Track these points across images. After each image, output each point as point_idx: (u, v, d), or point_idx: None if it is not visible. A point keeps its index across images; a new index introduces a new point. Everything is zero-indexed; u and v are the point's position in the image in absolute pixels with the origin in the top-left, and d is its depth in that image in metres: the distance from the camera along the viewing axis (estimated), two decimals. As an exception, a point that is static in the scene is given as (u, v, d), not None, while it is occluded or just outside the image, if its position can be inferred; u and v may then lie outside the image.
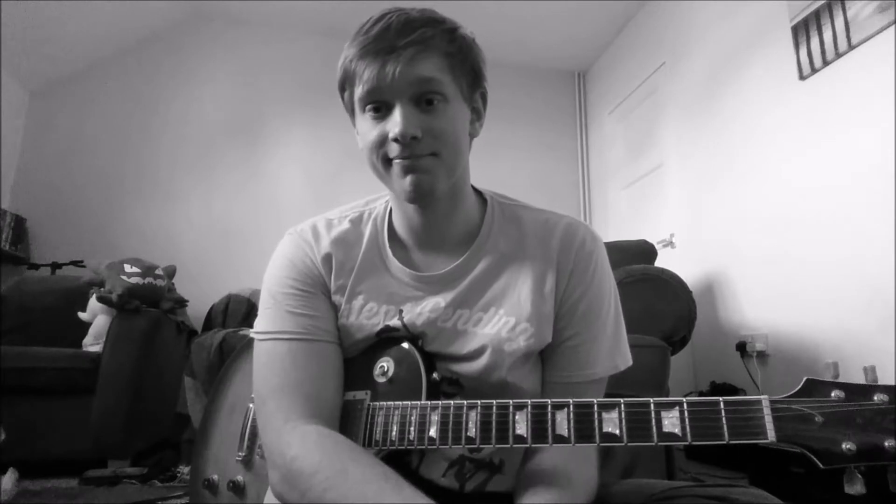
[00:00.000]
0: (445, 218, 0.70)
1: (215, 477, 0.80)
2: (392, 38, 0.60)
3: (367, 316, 0.69)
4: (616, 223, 3.57)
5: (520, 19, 3.47)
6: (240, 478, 0.78)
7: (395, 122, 0.61)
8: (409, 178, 0.62)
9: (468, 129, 0.68)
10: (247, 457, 0.78)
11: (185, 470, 1.95)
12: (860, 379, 0.48)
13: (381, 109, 0.63)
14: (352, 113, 0.68)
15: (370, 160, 0.65)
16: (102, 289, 2.21)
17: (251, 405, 0.80)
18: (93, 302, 2.26)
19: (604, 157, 3.80)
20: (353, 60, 0.63)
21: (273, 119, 3.61)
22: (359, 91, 0.63)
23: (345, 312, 0.70)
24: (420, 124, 0.61)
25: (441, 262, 0.71)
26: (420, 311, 0.68)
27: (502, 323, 0.67)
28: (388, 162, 0.63)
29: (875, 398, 0.45)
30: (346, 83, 0.66)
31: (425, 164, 0.62)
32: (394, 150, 0.62)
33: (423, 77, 0.61)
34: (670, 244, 2.92)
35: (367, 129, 0.64)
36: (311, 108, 3.63)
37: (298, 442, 0.60)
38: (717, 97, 2.63)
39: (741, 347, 2.28)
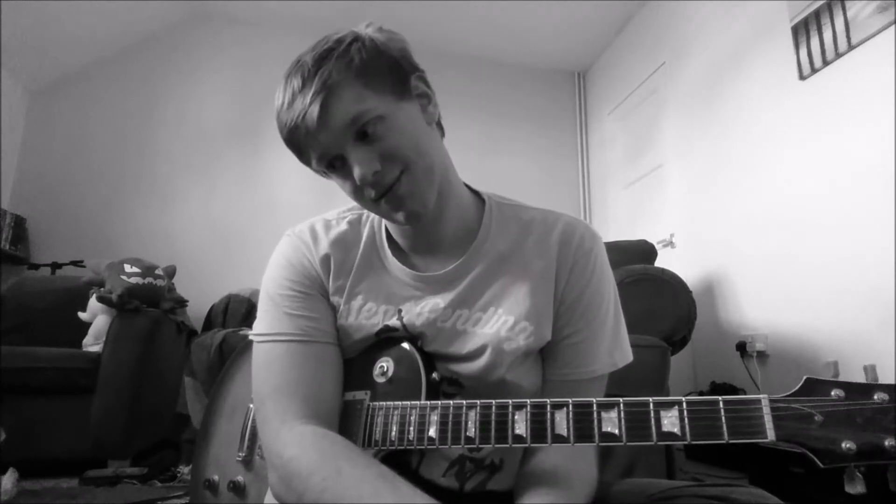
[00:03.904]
0: (435, 222, 0.70)
1: (216, 477, 0.80)
2: (301, 103, 0.59)
3: (367, 316, 0.69)
4: (616, 223, 3.57)
5: (520, 19, 3.47)
6: (240, 478, 0.78)
7: (356, 174, 0.61)
8: (400, 213, 0.63)
9: (423, 120, 0.65)
10: (247, 457, 0.78)
11: (185, 470, 1.95)
12: (860, 378, 0.47)
13: (336, 165, 0.63)
14: (326, 175, 0.68)
15: (360, 205, 0.68)
16: (102, 289, 2.21)
17: (251, 405, 0.80)
18: (93, 302, 2.25)
19: (604, 157, 3.80)
20: (288, 142, 0.64)
21: (273, 119, 3.58)
22: (313, 164, 0.64)
23: (343, 313, 0.70)
24: (373, 156, 0.60)
25: (440, 262, 0.71)
26: (419, 311, 0.68)
27: (501, 322, 0.67)
28: (374, 203, 0.64)
29: (875, 397, 0.45)
30: (301, 159, 0.66)
31: (404, 189, 0.61)
32: (369, 192, 0.62)
33: (345, 119, 0.59)
34: (670, 244, 2.92)
35: (341, 184, 0.65)
36: (311, 108, 3.63)
37: (296, 443, 0.60)
38: (717, 97, 2.63)
39: (741, 347, 2.28)
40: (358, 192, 0.64)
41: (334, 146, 0.61)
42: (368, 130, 0.60)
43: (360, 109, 0.59)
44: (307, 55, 0.62)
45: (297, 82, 0.60)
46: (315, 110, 0.58)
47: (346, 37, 0.62)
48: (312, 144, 0.61)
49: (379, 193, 0.62)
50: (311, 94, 0.59)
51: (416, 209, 0.63)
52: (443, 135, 0.70)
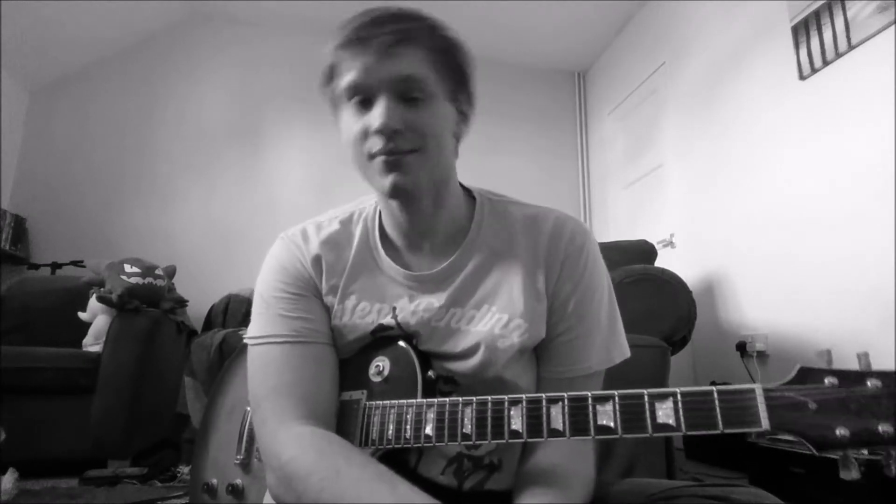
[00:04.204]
0: (430, 216, 0.69)
1: (214, 481, 0.80)
2: (377, 31, 0.60)
3: (361, 315, 0.69)
4: (616, 223, 3.57)
5: (520, 19, 3.47)
6: (238, 481, 0.77)
7: (376, 116, 0.60)
8: (390, 177, 0.61)
9: (453, 128, 0.67)
10: (245, 460, 0.78)
11: (185, 470, 1.95)
12: (855, 368, 0.47)
13: (364, 102, 0.62)
14: (334, 106, 0.67)
15: (352, 153, 0.65)
16: (102, 289, 2.21)
17: (249, 408, 0.80)
18: (93, 302, 2.26)
19: (604, 157, 3.80)
20: (336, 52, 0.62)
21: (273, 119, 3.61)
22: (342, 82, 0.62)
23: (338, 313, 0.70)
24: (402, 118, 0.60)
25: (432, 260, 0.71)
26: (413, 309, 0.68)
27: (495, 320, 0.67)
28: (370, 157, 0.62)
29: (868, 384, 0.45)
30: (330, 75, 0.65)
31: (407, 162, 0.61)
32: (376, 144, 0.61)
33: (406, 72, 0.60)
34: (670, 244, 2.92)
35: (350, 121, 0.63)
36: (310, 108, 3.62)
37: (293, 444, 0.60)
38: (717, 97, 2.63)
39: (741, 347, 2.28)
40: (360, 139, 0.62)
41: (377, 84, 0.60)
42: (414, 95, 0.61)
43: (420, 75, 0.61)
44: (398, 8, 0.63)
45: (383, 14, 0.61)
46: (387, 41, 0.59)
47: (436, 19, 0.65)
48: (362, 68, 0.60)
49: (384, 150, 0.61)
50: (392, 28, 0.60)
51: (406, 185, 0.62)
52: (456, 156, 0.71)
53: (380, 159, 0.61)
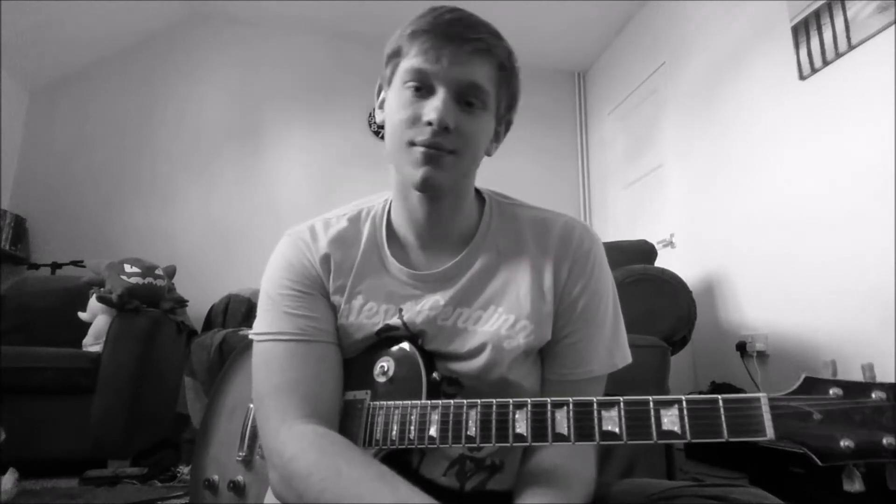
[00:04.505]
0: (448, 216, 0.70)
1: (216, 477, 0.80)
2: (461, 31, 0.62)
3: (367, 315, 0.69)
4: (616, 223, 3.57)
5: (520, 19, 3.47)
6: (240, 478, 0.78)
7: (434, 107, 0.61)
8: (423, 169, 0.62)
9: (487, 144, 0.69)
10: (247, 457, 0.78)
11: (185, 470, 1.95)
12: (859, 377, 0.48)
13: (420, 90, 0.63)
14: (387, 84, 0.68)
15: (392, 135, 0.65)
16: (102, 289, 2.21)
17: (251, 405, 0.80)
18: (93, 302, 2.25)
19: (604, 157, 3.80)
20: (416, 33, 0.63)
21: (273, 119, 3.61)
22: (408, 63, 0.63)
23: (344, 312, 0.70)
24: (455, 119, 0.62)
25: (439, 260, 0.71)
26: (420, 308, 0.68)
27: (502, 321, 0.67)
28: (410, 144, 0.63)
29: (873, 395, 0.45)
30: (397, 52, 0.65)
31: (444, 160, 0.62)
32: (422, 134, 0.62)
33: (474, 80, 0.62)
34: (670, 244, 2.92)
35: (400, 103, 0.64)
36: (310, 108, 3.64)
37: (295, 442, 0.60)
38: (717, 97, 2.63)
39: (741, 347, 2.28)
40: (406, 124, 0.62)
41: (442, 79, 0.61)
42: (471, 101, 0.63)
43: (486, 87, 0.63)
44: (476, 15, 0.65)
45: (470, 19, 0.64)
46: (469, 47, 0.62)
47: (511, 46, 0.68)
48: (436, 58, 0.61)
49: (428, 142, 0.61)
50: (476, 35, 0.62)
51: (436, 181, 0.63)
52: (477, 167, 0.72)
53: (420, 150, 0.62)
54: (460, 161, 0.64)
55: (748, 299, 2.37)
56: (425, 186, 0.63)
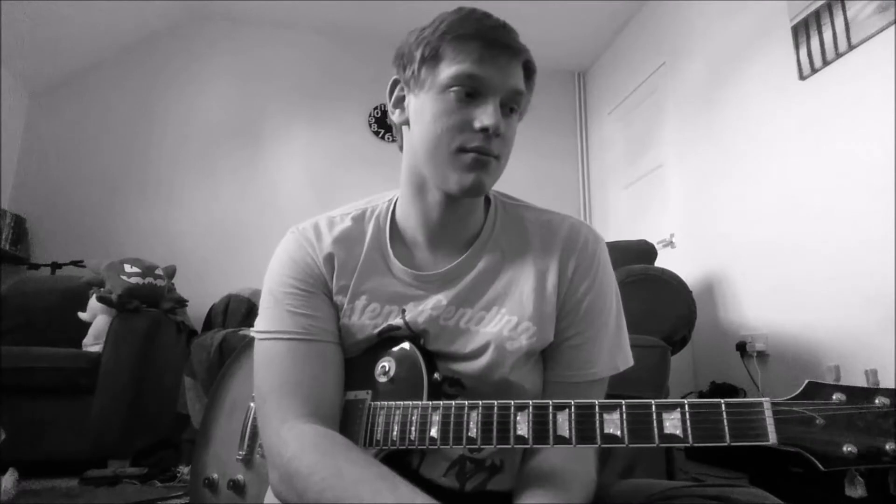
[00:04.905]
0: (464, 216, 0.71)
1: (215, 476, 0.80)
2: (507, 38, 0.63)
3: (370, 316, 0.69)
4: (616, 223, 3.57)
5: (520, 19, 3.41)
6: (240, 477, 0.78)
7: (489, 114, 0.61)
8: (473, 174, 0.63)
9: None
10: (247, 456, 0.78)
11: (185, 470, 1.95)
12: (861, 381, 0.48)
13: (470, 96, 0.62)
14: (416, 87, 0.66)
15: (432, 141, 0.63)
16: (102, 289, 2.21)
17: (252, 404, 0.81)
18: (93, 302, 2.26)
19: (604, 157, 3.80)
20: (462, 37, 0.62)
21: (273, 119, 3.61)
22: (455, 68, 0.62)
23: (347, 312, 0.70)
24: (504, 124, 0.63)
25: (442, 261, 0.71)
26: (422, 309, 0.68)
27: (504, 321, 0.67)
28: (459, 150, 0.62)
29: (876, 401, 0.45)
30: (435, 55, 0.63)
31: (491, 166, 0.64)
32: (474, 140, 0.62)
33: (519, 87, 0.65)
34: (670, 244, 2.92)
35: (444, 109, 0.62)
36: (311, 108, 3.63)
37: (296, 442, 0.60)
38: (717, 97, 2.63)
39: (741, 347, 2.28)
40: (455, 130, 0.62)
41: (496, 86, 0.62)
42: (513, 107, 0.65)
43: (524, 93, 0.66)
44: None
45: (506, 25, 0.65)
46: (513, 53, 0.64)
47: None
48: (481, 62, 0.61)
49: (482, 149, 0.62)
50: (516, 42, 0.64)
51: (484, 185, 0.64)
52: None
53: (472, 156, 0.62)
54: (501, 166, 0.66)
55: (748, 299, 2.37)
56: (473, 191, 0.63)
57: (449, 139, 0.62)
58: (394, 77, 0.70)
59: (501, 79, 0.62)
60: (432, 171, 0.65)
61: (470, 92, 0.62)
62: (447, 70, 0.62)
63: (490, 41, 0.62)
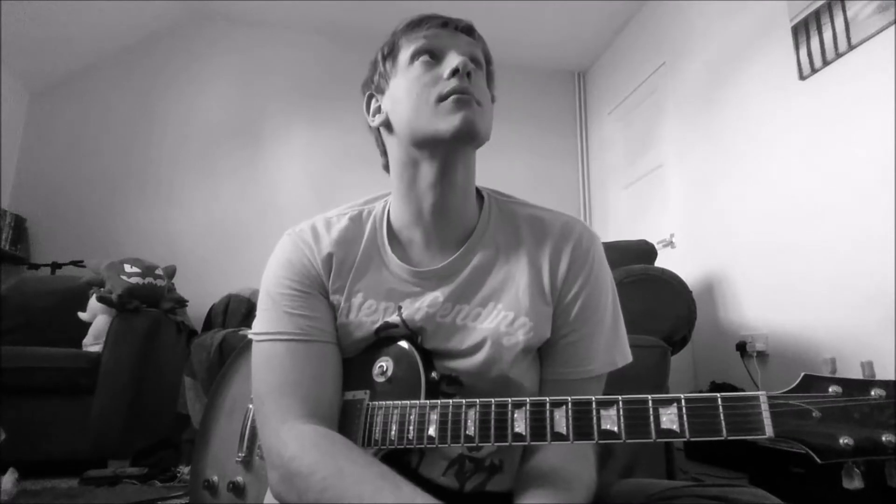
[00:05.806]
0: (457, 204, 0.70)
1: (215, 478, 0.80)
2: (459, 22, 0.70)
3: (367, 313, 0.69)
4: (616, 223, 3.57)
5: (520, 19, 3.47)
6: (239, 479, 0.78)
7: (453, 58, 0.65)
8: (460, 114, 0.63)
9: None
10: (246, 458, 0.78)
11: (185, 470, 1.95)
12: (858, 376, 0.47)
13: (434, 57, 0.67)
14: (386, 80, 0.71)
15: (415, 105, 0.65)
16: (102, 289, 2.21)
17: (251, 406, 0.80)
18: (93, 302, 2.26)
19: (604, 157, 3.80)
20: (412, 24, 0.69)
21: (273, 119, 3.61)
22: (412, 46, 0.67)
23: (344, 311, 0.70)
24: (472, 69, 0.66)
25: (438, 257, 0.71)
26: (419, 306, 0.68)
27: (501, 317, 0.67)
28: (440, 99, 0.64)
29: (872, 393, 0.45)
30: (392, 48, 0.70)
31: (475, 107, 0.65)
32: (449, 84, 0.64)
33: (476, 54, 0.69)
34: (670, 244, 2.92)
35: (414, 77, 0.66)
36: (311, 108, 3.63)
37: (296, 442, 0.60)
38: (717, 97, 2.63)
39: (741, 347, 2.28)
40: (430, 85, 0.65)
41: (449, 43, 0.67)
42: (478, 58, 0.69)
43: (482, 54, 0.71)
44: None
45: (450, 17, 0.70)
46: (457, 24, 0.70)
47: None
48: (430, 34, 0.67)
49: (459, 88, 0.64)
50: (461, 21, 0.70)
51: (474, 122, 0.64)
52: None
53: (452, 98, 0.64)
54: (484, 115, 0.66)
55: (748, 299, 2.37)
56: (465, 130, 0.63)
57: (427, 95, 0.65)
58: (367, 94, 0.75)
59: (457, 45, 0.67)
60: (422, 133, 0.66)
61: (431, 57, 0.67)
62: (406, 51, 0.68)
63: (441, 21, 0.68)
